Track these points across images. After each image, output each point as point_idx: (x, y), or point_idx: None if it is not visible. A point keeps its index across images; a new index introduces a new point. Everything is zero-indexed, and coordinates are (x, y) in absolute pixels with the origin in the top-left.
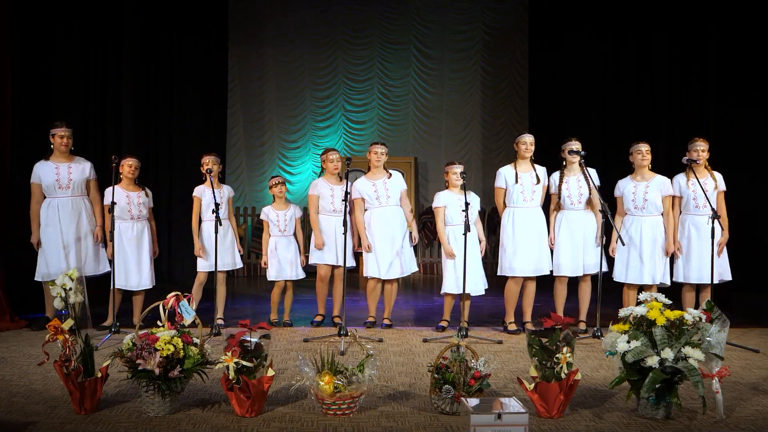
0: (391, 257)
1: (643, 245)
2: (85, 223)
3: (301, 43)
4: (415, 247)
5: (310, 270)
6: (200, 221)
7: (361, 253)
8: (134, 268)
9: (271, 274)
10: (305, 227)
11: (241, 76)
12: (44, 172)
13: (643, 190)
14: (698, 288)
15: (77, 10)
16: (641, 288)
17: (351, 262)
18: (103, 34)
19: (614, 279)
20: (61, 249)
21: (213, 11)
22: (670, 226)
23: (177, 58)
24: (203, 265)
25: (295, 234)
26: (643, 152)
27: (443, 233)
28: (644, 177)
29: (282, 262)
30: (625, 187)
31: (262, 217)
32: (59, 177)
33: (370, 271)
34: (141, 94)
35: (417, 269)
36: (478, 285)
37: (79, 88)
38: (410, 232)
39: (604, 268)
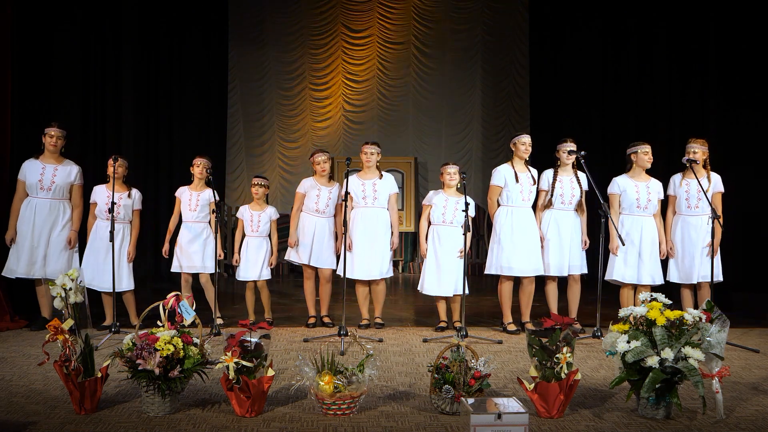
0: (368, 258)
1: (643, 245)
2: (59, 227)
3: (301, 43)
4: (414, 247)
5: (301, 270)
6: (181, 221)
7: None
8: (101, 269)
9: (239, 274)
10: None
11: (241, 76)
12: (30, 171)
13: (646, 190)
14: (694, 287)
15: (77, 10)
16: (637, 287)
17: (332, 263)
18: (103, 34)
19: (613, 279)
20: (29, 249)
21: (213, 12)
22: (668, 226)
23: (177, 59)
24: (174, 266)
25: (269, 235)
26: (649, 153)
27: (423, 231)
28: (642, 177)
29: (249, 262)
30: (626, 186)
31: (237, 215)
32: (43, 178)
33: (346, 271)
34: (141, 94)
35: (391, 274)
36: (448, 286)
37: (79, 88)
38: (391, 236)
39: (585, 270)
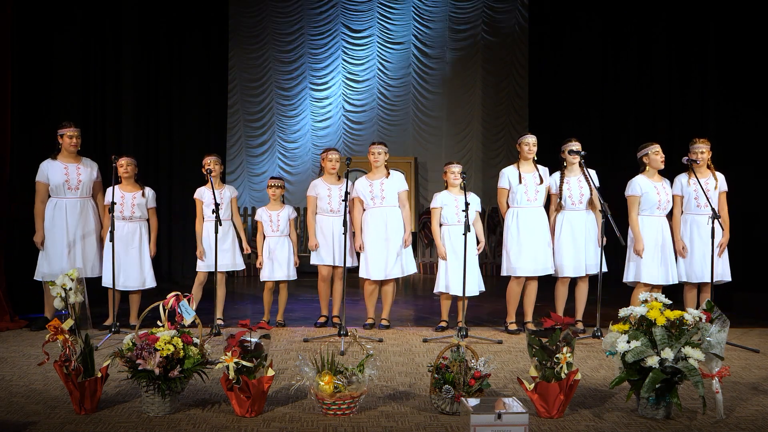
0: (384, 258)
1: (665, 246)
2: (91, 224)
3: (301, 43)
4: (414, 247)
5: (308, 270)
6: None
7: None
8: (120, 268)
9: (264, 275)
10: (302, 228)
11: (241, 76)
12: (53, 172)
13: (664, 191)
14: (699, 287)
15: (77, 10)
16: (652, 288)
17: (353, 262)
18: (103, 34)
19: (641, 281)
20: (65, 250)
21: (213, 11)
22: (677, 225)
23: (177, 58)
24: (202, 266)
25: (289, 235)
26: (660, 152)
27: (437, 234)
28: (656, 178)
29: (275, 263)
30: (648, 188)
31: (256, 218)
32: (69, 178)
33: (362, 272)
34: (141, 93)
35: (415, 270)
36: (471, 286)
37: (79, 88)
38: (404, 233)
39: (605, 268)
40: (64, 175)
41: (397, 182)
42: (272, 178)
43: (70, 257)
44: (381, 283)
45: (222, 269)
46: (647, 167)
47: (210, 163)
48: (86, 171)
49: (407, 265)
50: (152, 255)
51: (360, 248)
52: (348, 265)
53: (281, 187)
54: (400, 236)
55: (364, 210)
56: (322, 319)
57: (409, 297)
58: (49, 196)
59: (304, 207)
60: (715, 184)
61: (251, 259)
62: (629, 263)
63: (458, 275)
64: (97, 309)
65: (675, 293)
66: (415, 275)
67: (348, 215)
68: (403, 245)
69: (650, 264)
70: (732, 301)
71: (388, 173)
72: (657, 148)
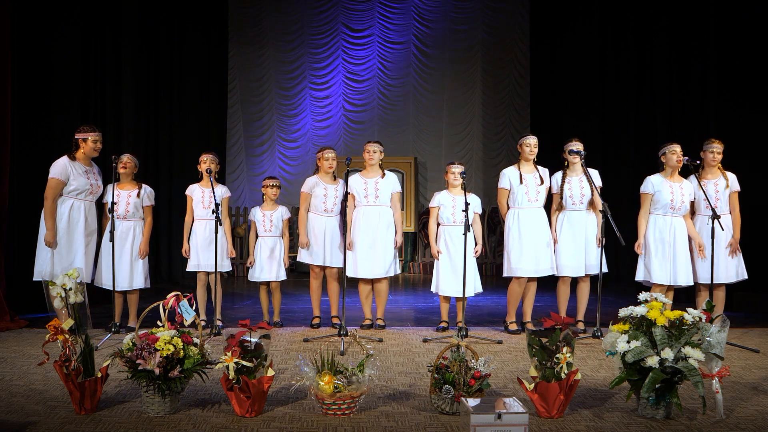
0: (369, 256)
1: (677, 246)
2: (94, 226)
3: (301, 43)
4: (414, 247)
5: (302, 269)
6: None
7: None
8: (117, 268)
9: (253, 275)
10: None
11: (241, 76)
12: (77, 176)
13: (680, 191)
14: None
15: (77, 9)
16: (668, 288)
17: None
18: (103, 33)
19: (650, 281)
20: (80, 252)
21: (213, 11)
22: (692, 226)
23: (177, 58)
24: (192, 265)
25: (281, 235)
26: (677, 153)
27: (432, 232)
28: (676, 178)
29: (264, 263)
30: (662, 187)
31: (249, 217)
32: (92, 182)
33: (349, 270)
34: (141, 93)
35: (398, 272)
36: (473, 285)
37: (78, 88)
38: (394, 235)
39: (605, 269)
40: (86, 179)
41: (392, 183)
42: (269, 177)
43: (80, 259)
44: (374, 283)
45: (208, 269)
46: (665, 166)
47: (207, 161)
48: (99, 175)
49: (390, 266)
50: (143, 255)
51: (349, 246)
52: (340, 264)
53: (278, 186)
54: (389, 236)
55: (355, 207)
56: (315, 320)
57: (409, 297)
58: (60, 195)
59: (295, 207)
60: (726, 184)
61: (243, 258)
62: (640, 261)
63: (450, 276)
64: (96, 309)
65: (677, 293)
66: (416, 275)
67: (344, 214)
68: (394, 246)
69: (657, 264)
70: (732, 301)
71: (384, 173)
72: (675, 147)
